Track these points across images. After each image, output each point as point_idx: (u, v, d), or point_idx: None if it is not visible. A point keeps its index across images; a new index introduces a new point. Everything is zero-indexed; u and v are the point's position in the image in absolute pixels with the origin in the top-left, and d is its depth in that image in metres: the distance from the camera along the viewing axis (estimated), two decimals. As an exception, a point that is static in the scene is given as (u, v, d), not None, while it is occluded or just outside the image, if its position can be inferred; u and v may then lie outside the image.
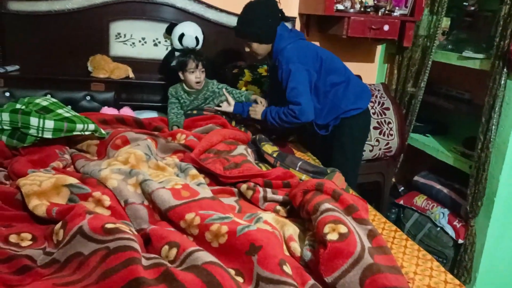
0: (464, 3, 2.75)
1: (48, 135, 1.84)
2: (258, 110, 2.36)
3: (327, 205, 1.31)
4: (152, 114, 2.78)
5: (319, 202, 1.34)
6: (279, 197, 1.63)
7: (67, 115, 1.95)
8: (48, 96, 2.09)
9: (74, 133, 1.90)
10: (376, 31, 2.73)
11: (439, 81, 3.02)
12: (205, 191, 1.55)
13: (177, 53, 2.66)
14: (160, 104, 2.81)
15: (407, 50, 2.97)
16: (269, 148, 2.11)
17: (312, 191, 1.44)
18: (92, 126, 1.95)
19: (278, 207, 1.60)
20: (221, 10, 2.93)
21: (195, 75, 2.34)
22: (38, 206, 1.40)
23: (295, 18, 3.05)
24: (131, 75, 2.79)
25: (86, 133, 1.95)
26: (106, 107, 2.61)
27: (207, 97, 2.47)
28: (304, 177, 1.91)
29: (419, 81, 2.87)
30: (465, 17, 2.76)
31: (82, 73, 2.76)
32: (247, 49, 2.27)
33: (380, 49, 3.34)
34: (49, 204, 1.41)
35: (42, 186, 1.47)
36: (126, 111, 2.62)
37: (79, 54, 2.79)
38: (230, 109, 2.45)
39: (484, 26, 2.61)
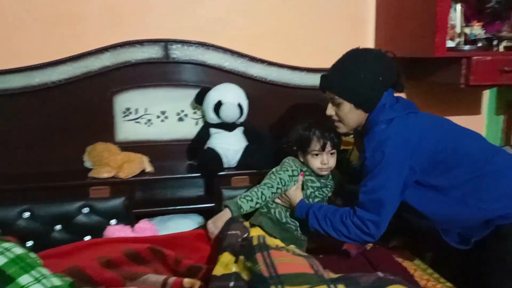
0: None
1: None
2: (293, 196, 1.61)
3: None
4: (182, 221, 1.89)
5: None
6: None
7: (34, 288, 1.04)
8: (9, 245, 1.18)
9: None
10: (510, 75, 1.82)
11: None
12: None
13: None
14: (191, 206, 1.92)
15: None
16: None
17: None
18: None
19: None
20: (270, 63, 2.07)
21: (320, 160, 1.60)
22: None
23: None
24: (149, 168, 1.90)
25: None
26: (113, 222, 1.80)
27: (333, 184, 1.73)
28: None
29: None
30: None
31: (76, 172, 1.88)
32: (330, 112, 1.51)
33: (487, 96, 2.41)
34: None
35: None
36: (144, 228, 1.73)
37: (71, 145, 1.94)
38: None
39: None
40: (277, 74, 2.09)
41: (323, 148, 1.57)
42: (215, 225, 1.54)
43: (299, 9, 2.13)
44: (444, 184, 1.41)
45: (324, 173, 1.63)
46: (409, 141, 1.39)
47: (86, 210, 1.76)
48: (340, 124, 1.52)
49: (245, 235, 1.41)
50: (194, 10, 2.03)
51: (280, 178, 1.59)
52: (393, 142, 1.38)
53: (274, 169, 1.65)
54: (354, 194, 1.48)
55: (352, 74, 1.43)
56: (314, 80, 2.13)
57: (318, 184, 1.65)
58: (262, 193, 1.57)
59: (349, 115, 1.48)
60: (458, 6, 2.04)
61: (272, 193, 1.58)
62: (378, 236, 1.42)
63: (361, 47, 1.50)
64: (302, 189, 1.63)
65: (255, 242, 1.29)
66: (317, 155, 1.59)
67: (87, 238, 1.73)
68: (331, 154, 1.61)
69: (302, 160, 1.66)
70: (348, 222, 1.42)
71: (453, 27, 2.05)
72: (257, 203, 1.56)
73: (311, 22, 2.15)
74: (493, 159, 1.43)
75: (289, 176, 1.61)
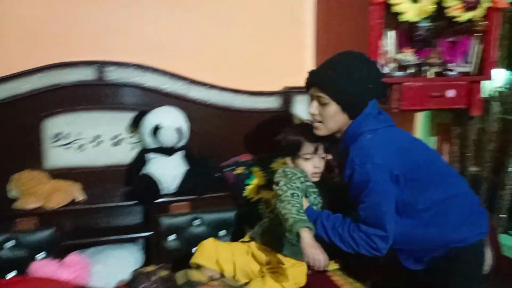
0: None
1: None
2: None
3: None
4: (118, 252, 1.79)
5: None
6: None
7: None
8: None
9: None
10: (437, 100, 1.91)
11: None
12: None
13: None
14: (127, 236, 1.82)
15: (472, 121, 2.17)
16: None
17: None
18: None
19: None
20: (212, 86, 2.05)
21: (312, 164, 1.54)
22: None
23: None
24: (80, 196, 1.80)
25: None
26: (41, 256, 1.66)
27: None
28: None
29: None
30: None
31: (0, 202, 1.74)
32: (314, 110, 1.47)
33: (421, 118, 2.52)
34: None
35: None
36: (74, 261, 1.62)
37: (-6, 173, 1.79)
38: None
39: None
40: (219, 97, 2.08)
41: (315, 151, 1.54)
42: (322, 255, 1.33)
43: (239, 33, 2.13)
44: (417, 205, 1.40)
45: (316, 178, 1.57)
46: (396, 151, 1.39)
47: (11, 243, 1.62)
48: (321, 125, 1.48)
49: (157, 274, 1.32)
50: (133, 32, 1.98)
51: (297, 187, 1.48)
52: (382, 153, 1.37)
53: (282, 182, 1.48)
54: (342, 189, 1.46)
55: (345, 75, 1.40)
56: (255, 103, 2.13)
57: (316, 189, 1.60)
58: (298, 202, 1.42)
59: (334, 117, 1.44)
60: (392, 33, 2.12)
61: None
62: (386, 250, 1.38)
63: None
64: (306, 196, 1.56)
65: (179, 280, 1.23)
66: (308, 159, 1.54)
67: (12, 274, 1.59)
68: (323, 158, 1.56)
69: (291, 165, 1.59)
70: (356, 236, 1.39)
71: (387, 53, 2.14)
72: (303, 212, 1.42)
73: (251, 46, 2.16)
74: (452, 180, 1.45)
75: (301, 182, 1.51)
